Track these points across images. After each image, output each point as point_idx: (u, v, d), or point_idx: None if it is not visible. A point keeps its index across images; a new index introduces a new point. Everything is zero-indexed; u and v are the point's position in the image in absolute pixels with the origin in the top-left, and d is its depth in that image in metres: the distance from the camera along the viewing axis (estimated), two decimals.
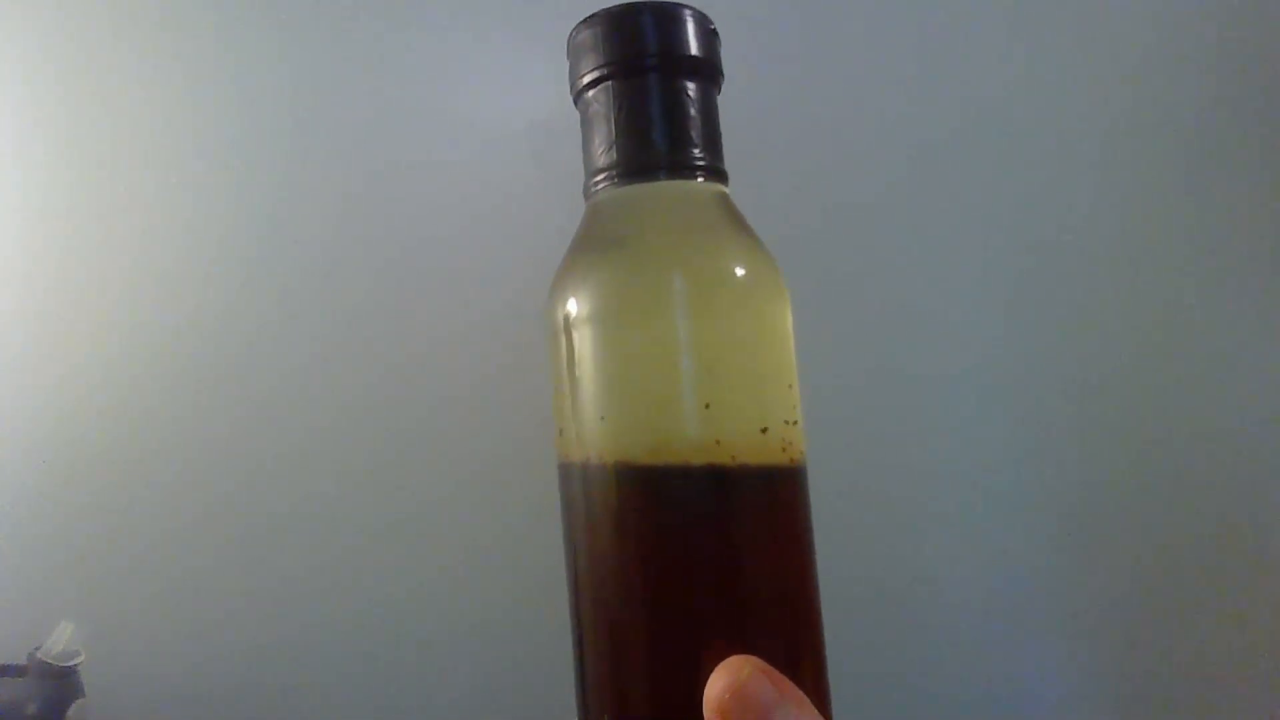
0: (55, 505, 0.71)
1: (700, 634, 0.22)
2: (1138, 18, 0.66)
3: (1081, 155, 0.66)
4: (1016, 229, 0.65)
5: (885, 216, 0.66)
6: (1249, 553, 0.61)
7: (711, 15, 0.26)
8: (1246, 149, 0.65)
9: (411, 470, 0.68)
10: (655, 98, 0.25)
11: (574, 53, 0.26)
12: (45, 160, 0.73)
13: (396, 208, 0.69)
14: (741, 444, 0.23)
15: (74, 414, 0.71)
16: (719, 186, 0.26)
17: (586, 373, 0.24)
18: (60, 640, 0.62)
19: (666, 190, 0.25)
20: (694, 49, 0.25)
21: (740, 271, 0.24)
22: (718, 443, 0.23)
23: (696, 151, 0.25)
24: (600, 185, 0.25)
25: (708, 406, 0.23)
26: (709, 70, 0.26)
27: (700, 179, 0.25)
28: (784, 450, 0.24)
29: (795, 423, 0.24)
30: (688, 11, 0.25)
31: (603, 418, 0.24)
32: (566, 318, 0.25)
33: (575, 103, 0.27)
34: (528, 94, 0.69)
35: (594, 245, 0.25)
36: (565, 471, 0.25)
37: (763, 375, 0.24)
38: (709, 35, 0.26)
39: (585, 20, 0.26)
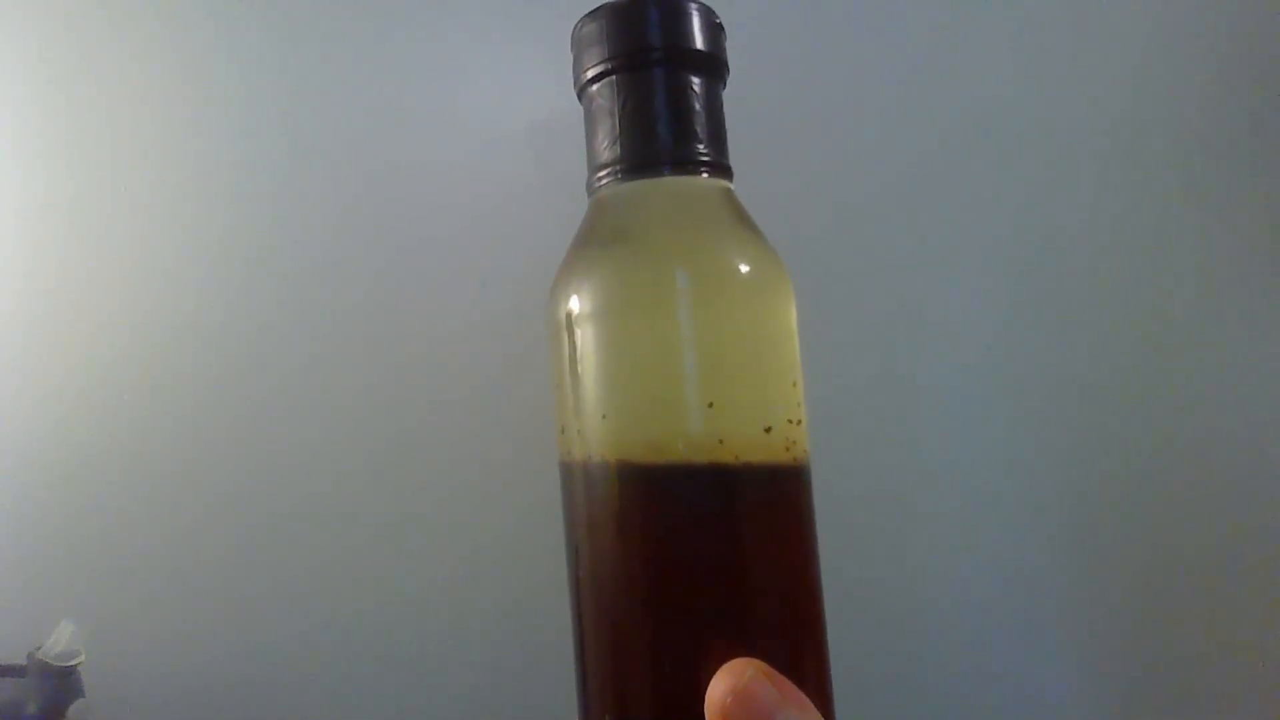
0: (55, 505, 0.71)
1: (702, 634, 0.22)
2: (1138, 18, 0.66)
3: (1081, 155, 0.66)
4: (1018, 229, 0.65)
5: (887, 215, 0.66)
6: (1249, 553, 0.61)
7: (716, 9, 0.26)
8: (1246, 150, 0.65)
9: (412, 470, 0.68)
10: (660, 92, 0.25)
11: (578, 46, 0.26)
12: (45, 160, 0.73)
13: (397, 208, 0.69)
14: (745, 443, 0.23)
15: (74, 414, 0.71)
16: (723, 182, 0.26)
17: (588, 370, 0.24)
18: (60, 640, 0.62)
19: (670, 186, 0.25)
20: (699, 43, 0.25)
21: (744, 268, 0.24)
22: (721, 442, 0.22)
23: (701, 147, 0.25)
24: (604, 181, 0.25)
25: (711, 405, 0.23)
26: (714, 65, 0.25)
27: (705, 175, 0.25)
28: (787, 449, 0.23)
29: (799, 421, 0.24)
30: (693, 5, 0.25)
31: (604, 416, 0.23)
32: (568, 314, 0.24)
33: (579, 97, 0.26)
34: (528, 94, 0.69)
35: (597, 241, 0.25)
36: (566, 470, 0.25)
37: (766, 373, 0.24)
38: (714, 29, 0.26)
39: (590, 13, 0.25)
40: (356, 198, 0.70)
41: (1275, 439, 0.62)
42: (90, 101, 0.72)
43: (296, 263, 0.70)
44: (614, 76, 0.25)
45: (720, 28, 0.26)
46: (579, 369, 0.24)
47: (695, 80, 0.25)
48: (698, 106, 0.25)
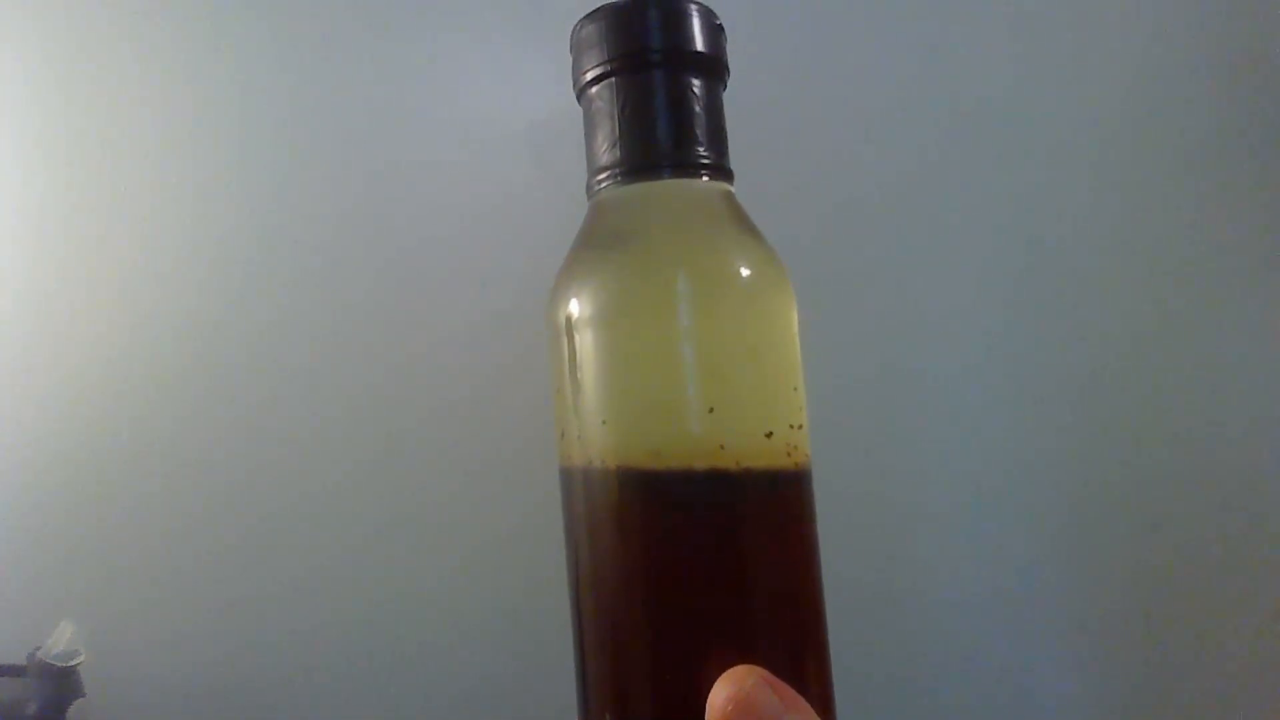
0: (55, 505, 0.71)
1: (703, 641, 0.22)
2: (1137, 18, 0.66)
3: (1081, 155, 0.65)
4: (1017, 229, 0.65)
5: (886, 216, 0.66)
6: (1249, 552, 0.61)
7: (716, 10, 0.26)
8: (1246, 149, 0.65)
9: (412, 470, 0.68)
10: (660, 94, 0.24)
11: (577, 48, 0.25)
12: (45, 160, 0.73)
13: (397, 208, 0.69)
14: (746, 449, 0.23)
15: (74, 414, 0.71)
16: (724, 185, 0.25)
17: (588, 375, 0.24)
18: (60, 640, 0.62)
19: (670, 189, 0.25)
20: (699, 44, 0.25)
21: (745, 272, 0.24)
22: (722, 447, 0.22)
23: (701, 149, 0.25)
24: (603, 184, 0.25)
25: (712, 410, 0.23)
26: (715, 66, 0.25)
27: (705, 177, 0.25)
28: (789, 455, 0.23)
29: (800, 426, 0.24)
30: (693, 6, 0.25)
31: (604, 421, 0.23)
32: (568, 319, 0.24)
33: (578, 99, 0.26)
34: (528, 94, 0.69)
35: (596, 245, 0.25)
36: (567, 475, 0.24)
37: (768, 378, 0.24)
38: (715, 30, 0.25)
39: (589, 15, 0.25)
40: (356, 198, 0.70)
41: (1275, 438, 0.62)
42: (90, 101, 0.72)
43: (296, 263, 0.70)
44: (613, 78, 0.25)
45: (720, 29, 0.26)
46: (579, 374, 0.24)
47: (695, 82, 0.25)
48: (698, 109, 0.25)
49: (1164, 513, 0.62)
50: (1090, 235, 0.65)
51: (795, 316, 0.25)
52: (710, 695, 0.20)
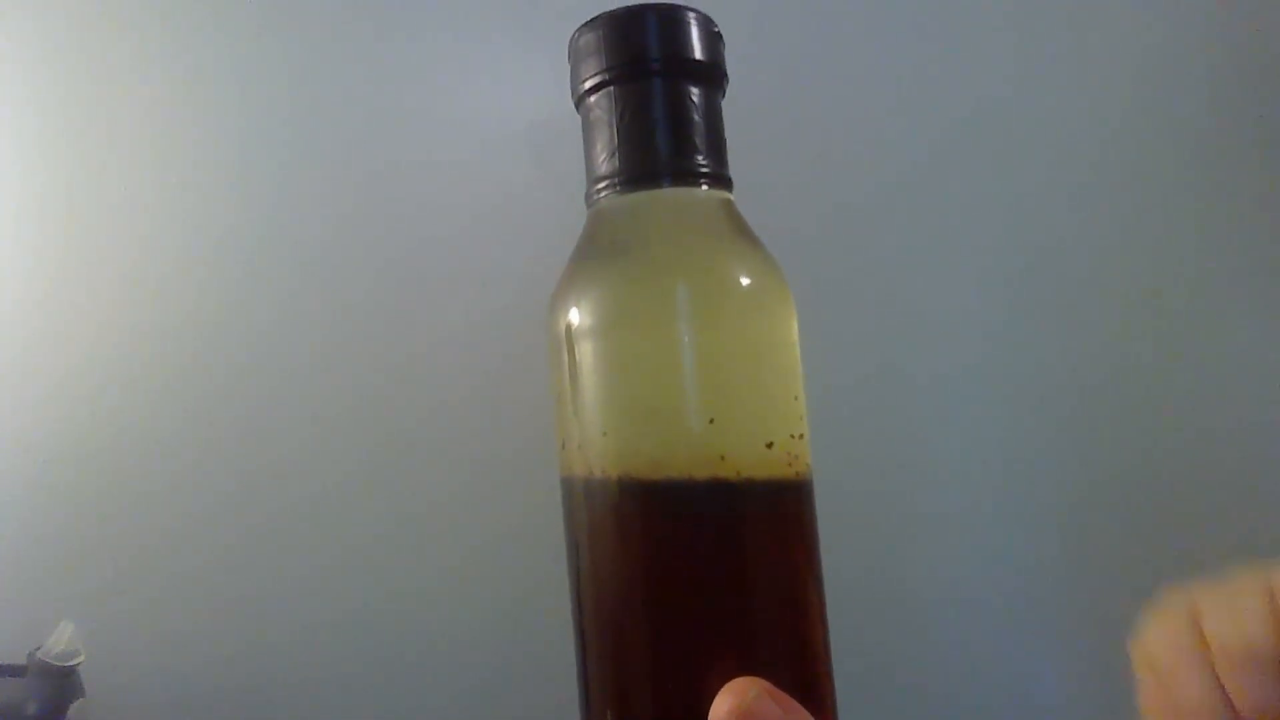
0: (55, 505, 0.71)
1: (705, 651, 0.22)
2: (1138, 18, 0.66)
3: (1081, 155, 0.65)
4: (1016, 230, 0.65)
5: (886, 217, 0.66)
6: (1249, 552, 0.61)
7: (712, 15, 0.26)
8: (1246, 149, 0.65)
9: (411, 470, 0.68)
10: (658, 103, 0.24)
11: (575, 56, 0.25)
12: (45, 161, 0.73)
13: (397, 208, 0.69)
14: (746, 459, 0.23)
15: (74, 414, 0.71)
16: (723, 194, 0.25)
17: (588, 385, 0.24)
18: (60, 640, 0.62)
19: (670, 198, 0.24)
20: (698, 53, 0.25)
21: (745, 282, 0.24)
22: (722, 458, 0.22)
23: (700, 158, 0.25)
24: (602, 193, 0.25)
25: (712, 421, 0.23)
26: (713, 74, 0.25)
27: (704, 186, 0.25)
28: (790, 464, 0.23)
29: (801, 436, 0.24)
30: (691, 14, 0.25)
31: (605, 432, 0.23)
32: (569, 328, 0.24)
33: (576, 107, 0.26)
34: (528, 94, 0.69)
35: (596, 255, 0.25)
36: (568, 485, 0.24)
37: (768, 388, 0.24)
38: (713, 38, 0.25)
39: (587, 23, 0.25)
40: (356, 198, 0.70)
41: (1275, 438, 0.62)
42: (90, 101, 0.72)
43: (296, 263, 0.70)
44: (612, 87, 0.25)
45: (719, 37, 0.26)
46: (579, 384, 0.24)
47: (694, 90, 0.25)
48: (696, 117, 0.25)
49: (1165, 512, 0.62)
50: (1090, 236, 0.65)
51: (795, 325, 0.25)
52: (712, 707, 0.21)
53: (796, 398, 0.24)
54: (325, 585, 0.68)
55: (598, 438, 0.23)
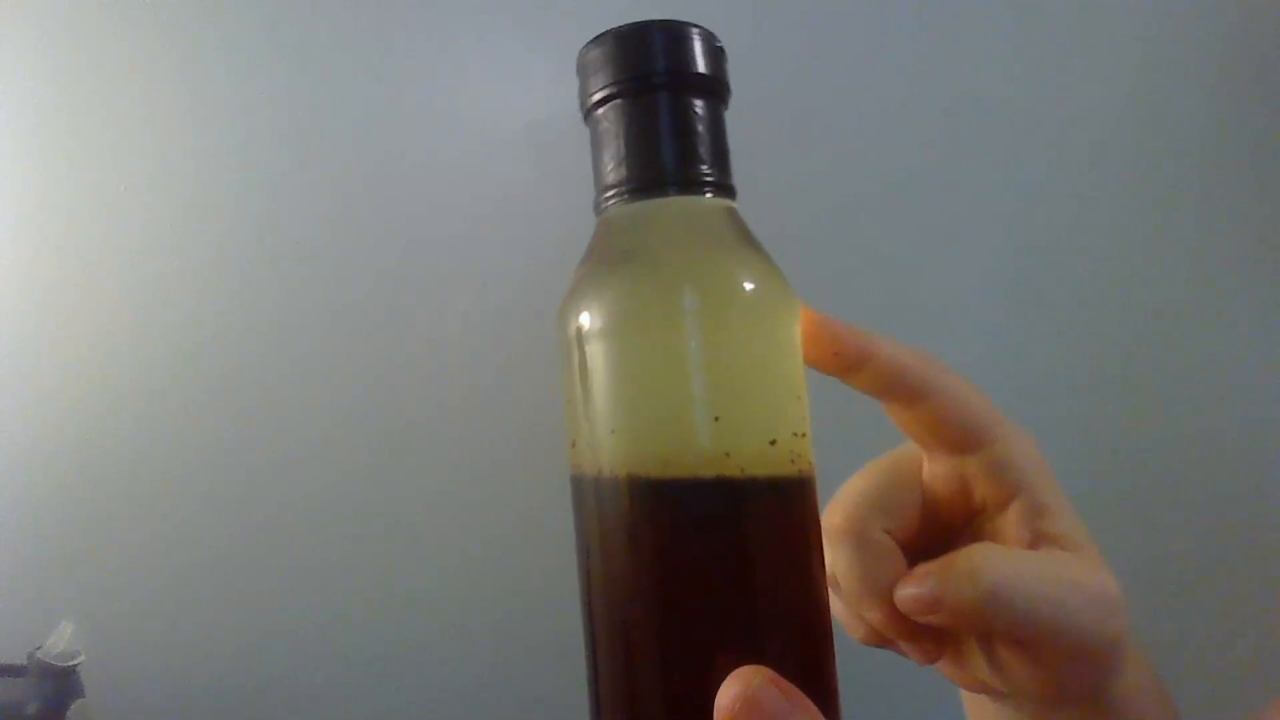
0: (55, 505, 0.71)
1: (712, 643, 0.23)
2: (1138, 18, 0.66)
3: (1081, 155, 0.66)
4: (1016, 230, 0.66)
5: (886, 217, 0.66)
6: (1249, 552, 0.62)
7: (711, 19, 0.27)
8: (1246, 149, 0.65)
9: (411, 470, 0.68)
10: (664, 115, 0.25)
11: (584, 71, 0.26)
12: (45, 160, 0.73)
13: (397, 208, 0.70)
14: (750, 456, 0.23)
15: (74, 414, 0.71)
16: (727, 201, 0.26)
17: (597, 386, 0.24)
18: (60, 640, 0.62)
19: (675, 206, 0.25)
20: (702, 67, 0.26)
21: (749, 286, 0.25)
22: (727, 455, 0.23)
23: (704, 167, 0.26)
24: (610, 201, 0.26)
25: (717, 420, 0.23)
26: (716, 88, 0.26)
27: (709, 194, 0.26)
28: (792, 462, 0.24)
29: (803, 434, 0.25)
30: (695, 30, 0.26)
31: (613, 431, 0.24)
32: (578, 331, 0.25)
33: (585, 120, 0.27)
34: (528, 94, 0.70)
35: (605, 260, 0.26)
36: (577, 483, 0.25)
37: (771, 388, 0.25)
38: (716, 53, 0.26)
39: (594, 39, 0.26)
40: (357, 197, 0.70)
41: (1275, 438, 0.63)
42: (90, 102, 0.72)
43: (296, 262, 0.70)
44: (619, 100, 0.25)
45: (722, 51, 0.26)
46: (588, 385, 0.25)
47: (698, 103, 0.26)
48: (701, 128, 0.26)
49: (1164, 512, 0.63)
50: (1090, 236, 0.65)
51: (797, 327, 0.26)
52: (718, 694, 0.21)
53: (799, 398, 0.25)
54: (325, 585, 0.68)
55: (606, 436, 0.24)
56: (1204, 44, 0.66)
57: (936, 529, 0.30)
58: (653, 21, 0.25)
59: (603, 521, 0.24)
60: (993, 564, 0.25)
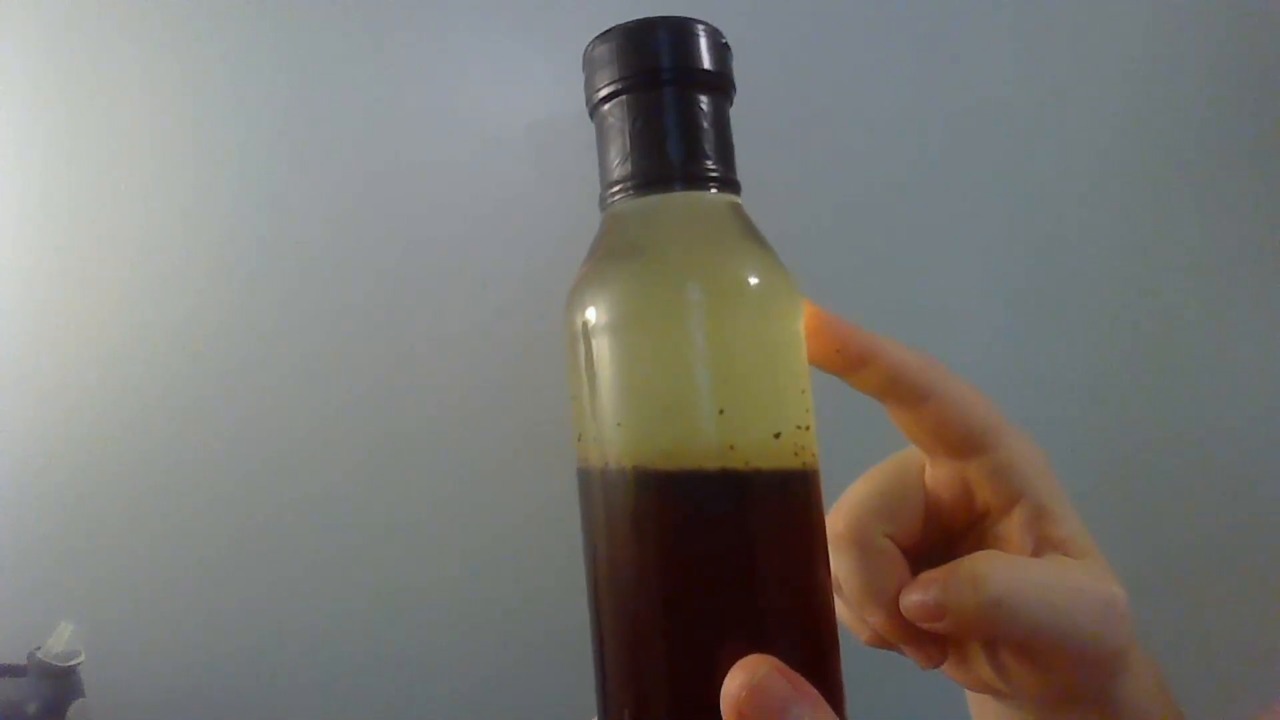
0: (55, 505, 0.71)
1: (717, 634, 0.23)
2: (1138, 18, 0.67)
3: (1082, 155, 0.66)
4: (1017, 229, 0.66)
5: (887, 216, 0.67)
6: (1248, 550, 0.62)
7: (713, 19, 0.27)
8: (1247, 150, 0.65)
9: (411, 470, 0.68)
10: (670, 111, 0.25)
11: (590, 67, 0.26)
12: (45, 160, 0.73)
13: (398, 208, 0.70)
14: (755, 449, 0.24)
15: (74, 414, 0.71)
16: (732, 197, 0.26)
17: (603, 379, 0.25)
18: (60, 640, 0.62)
19: (681, 201, 0.26)
20: (707, 63, 0.26)
21: (754, 280, 0.25)
22: (732, 448, 0.23)
23: (710, 163, 0.26)
24: (616, 196, 0.26)
25: (722, 413, 0.24)
26: (721, 84, 0.26)
27: (714, 190, 0.26)
28: (796, 454, 0.24)
29: (807, 428, 0.25)
30: (701, 27, 0.26)
31: (619, 424, 0.24)
32: (584, 325, 0.25)
33: (591, 116, 0.27)
34: (528, 94, 0.70)
35: (611, 254, 0.26)
36: (584, 475, 0.25)
37: (775, 381, 0.25)
38: (721, 49, 0.26)
39: (601, 35, 0.26)
40: (357, 198, 0.70)
41: (1274, 437, 0.63)
42: (90, 102, 0.72)
43: (297, 263, 0.70)
44: (625, 96, 0.26)
45: (727, 48, 0.27)
46: (594, 379, 0.25)
47: (703, 99, 0.26)
48: (706, 124, 0.26)
49: (1164, 511, 0.63)
50: (1091, 236, 0.66)
51: (801, 321, 0.26)
52: (724, 683, 0.22)
53: (803, 391, 0.25)
54: (325, 585, 0.68)
55: (612, 429, 0.24)
56: (1204, 46, 0.66)
57: (939, 534, 0.30)
58: (659, 18, 0.26)
59: (608, 513, 0.24)
60: (996, 572, 0.25)
